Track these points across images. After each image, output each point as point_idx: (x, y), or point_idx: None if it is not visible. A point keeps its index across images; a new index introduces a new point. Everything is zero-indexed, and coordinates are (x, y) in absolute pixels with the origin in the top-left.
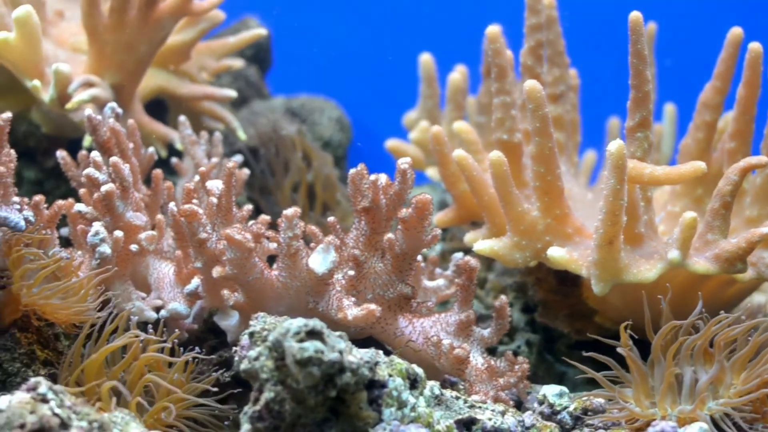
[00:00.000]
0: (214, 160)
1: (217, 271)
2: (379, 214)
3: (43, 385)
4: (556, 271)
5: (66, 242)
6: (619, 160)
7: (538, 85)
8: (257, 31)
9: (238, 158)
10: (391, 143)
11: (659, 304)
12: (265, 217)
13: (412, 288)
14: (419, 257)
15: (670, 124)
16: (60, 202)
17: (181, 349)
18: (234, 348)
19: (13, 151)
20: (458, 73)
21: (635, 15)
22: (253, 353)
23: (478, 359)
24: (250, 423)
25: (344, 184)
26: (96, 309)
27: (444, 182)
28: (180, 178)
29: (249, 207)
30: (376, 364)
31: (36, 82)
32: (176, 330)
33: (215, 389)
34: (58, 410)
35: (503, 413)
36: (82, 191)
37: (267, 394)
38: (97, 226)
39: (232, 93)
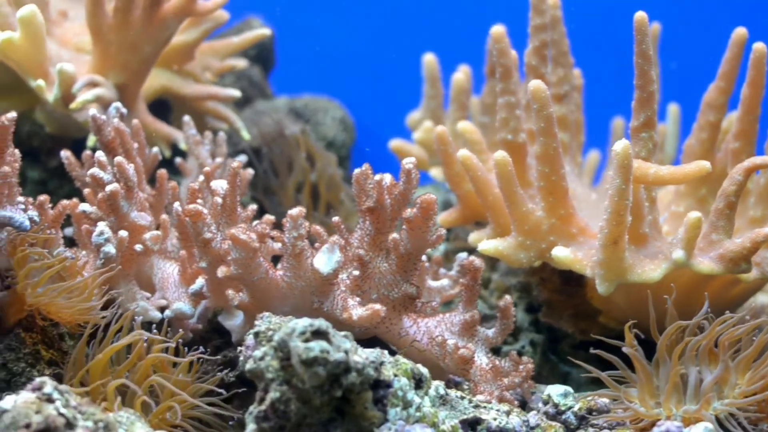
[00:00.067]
0: (218, 160)
1: (221, 271)
2: (384, 214)
3: (49, 385)
4: (560, 271)
5: (70, 242)
6: (624, 160)
7: (543, 85)
8: (261, 31)
9: (243, 158)
10: (395, 143)
11: (663, 304)
12: (269, 217)
13: (417, 288)
14: (423, 257)
15: (673, 124)
16: (65, 202)
17: (186, 348)
18: (239, 348)
19: (17, 151)
20: (462, 73)
21: (640, 15)
22: (258, 353)
23: (482, 359)
24: (255, 423)
25: (348, 184)
26: (100, 308)
27: (448, 182)
28: (184, 178)
29: (253, 207)
30: (382, 364)
31: (40, 82)
32: (180, 330)
33: (221, 391)
34: (63, 410)
35: (508, 413)
36: (86, 191)
37: (272, 394)
38: (102, 225)
39: (236, 93)
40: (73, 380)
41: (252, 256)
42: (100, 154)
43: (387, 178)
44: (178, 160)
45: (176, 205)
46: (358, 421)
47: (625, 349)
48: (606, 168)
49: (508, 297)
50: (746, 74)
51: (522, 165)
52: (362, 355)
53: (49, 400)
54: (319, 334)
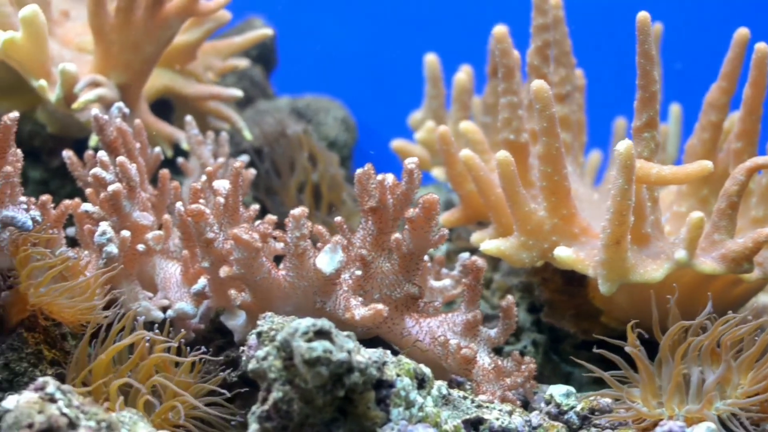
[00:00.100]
0: (221, 160)
1: (224, 271)
2: (386, 214)
3: (51, 385)
4: (562, 271)
5: (72, 242)
6: (627, 160)
7: (546, 85)
8: (263, 31)
9: (245, 158)
10: (397, 143)
11: (665, 304)
12: (271, 217)
13: (419, 288)
14: (425, 257)
15: (675, 124)
16: (67, 201)
17: (188, 348)
18: (241, 348)
19: (19, 151)
20: (464, 73)
21: (643, 15)
22: (261, 353)
23: (485, 359)
24: (258, 423)
25: (349, 184)
26: (102, 308)
27: (450, 182)
28: (186, 178)
29: (256, 207)
30: (384, 363)
31: (42, 82)
32: (182, 330)
33: (224, 392)
34: (66, 410)
35: (510, 413)
36: (88, 191)
37: (275, 394)
38: (104, 225)
39: (238, 93)
40: (76, 380)
41: (254, 256)
42: (102, 154)
43: (389, 178)
44: (180, 160)
45: (178, 205)
46: (360, 421)
47: (627, 349)
48: (608, 168)
49: (510, 297)
50: (748, 74)
51: (524, 165)
52: (365, 355)
53: (52, 400)
54: (322, 334)
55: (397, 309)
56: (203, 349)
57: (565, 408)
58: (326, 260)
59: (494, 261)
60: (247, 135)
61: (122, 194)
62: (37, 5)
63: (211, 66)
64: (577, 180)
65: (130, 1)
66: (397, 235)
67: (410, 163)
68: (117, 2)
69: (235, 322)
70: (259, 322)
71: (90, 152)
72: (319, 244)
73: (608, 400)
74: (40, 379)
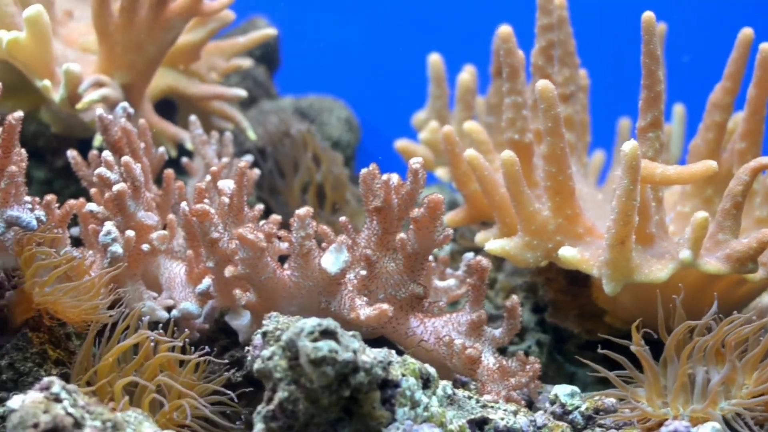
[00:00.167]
0: (225, 159)
1: (229, 271)
2: (391, 213)
3: (57, 385)
4: (566, 271)
5: (76, 242)
6: (633, 161)
7: (551, 84)
8: (267, 30)
9: (249, 158)
10: (401, 143)
11: (669, 304)
12: (276, 217)
13: (424, 288)
14: (430, 257)
15: (679, 124)
16: (71, 201)
17: (193, 348)
18: (246, 348)
19: (24, 151)
20: (467, 74)
21: (648, 15)
22: (266, 353)
23: (489, 359)
24: (263, 422)
25: (353, 184)
26: (107, 308)
27: (455, 182)
28: (190, 177)
29: (260, 207)
30: (390, 363)
31: (46, 82)
32: (187, 330)
33: (228, 392)
34: (71, 410)
35: (515, 413)
36: (93, 191)
37: (280, 394)
38: (109, 225)
39: (242, 92)
40: (81, 380)
41: (259, 256)
42: (107, 154)
43: (394, 177)
44: (184, 159)
45: (183, 204)
46: (366, 421)
47: (633, 348)
48: (612, 168)
49: (515, 297)
50: (753, 74)
51: (528, 165)
52: (370, 355)
53: (57, 399)
54: (327, 333)
55: (401, 309)
56: (207, 348)
57: (570, 408)
58: (331, 260)
59: (498, 261)
60: (251, 135)
61: (127, 194)
62: (41, 5)
63: (215, 66)
64: (581, 180)
65: (134, 1)
66: (401, 234)
67: (415, 162)
68: (121, 2)
69: (240, 321)
70: (264, 322)
71: (94, 152)
72: (323, 244)
73: (613, 400)
74: (46, 379)
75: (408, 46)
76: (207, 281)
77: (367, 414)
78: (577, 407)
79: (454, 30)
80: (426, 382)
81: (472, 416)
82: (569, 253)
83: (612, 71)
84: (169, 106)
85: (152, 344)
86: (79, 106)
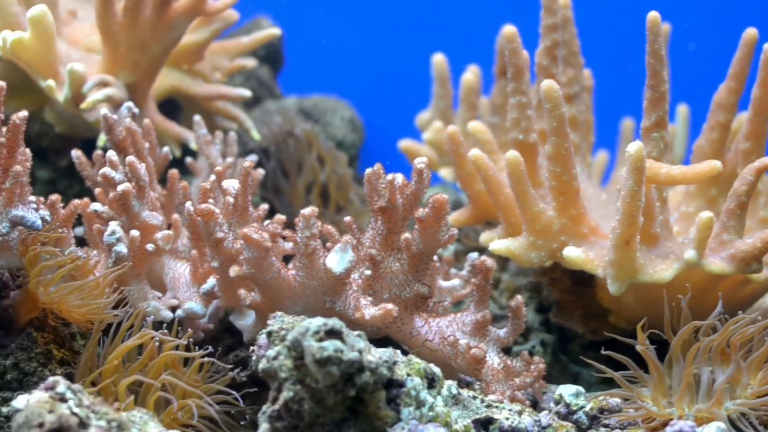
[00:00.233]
0: (229, 159)
1: (234, 271)
2: (396, 213)
3: (62, 384)
4: (570, 271)
5: (80, 242)
6: (638, 162)
7: (555, 84)
8: (271, 30)
9: (253, 157)
10: (405, 144)
11: (673, 303)
12: (280, 217)
13: (429, 288)
14: (434, 257)
15: (682, 125)
16: (76, 201)
17: (197, 348)
18: (250, 348)
19: (28, 150)
20: (471, 74)
21: (653, 15)
22: (271, 352)
23: (494, 359)
24: (268, 422)
25: (356, 184)
26: (112, 308)
27: (459, 182)
28: (194, 177)
29: (265, 206)
30: (395, 363)
31: (50, 82)
32: (191, 330)
33: (233, 392)
34: (76, 409)
35: (520, 413)
36: (97, 191)
37: (286, 394)
38: (114, 225)
39: (246, 92)
40: (85, 379)
41: (264, 256)
42: (111, 154)
43: (399, 177)
44: (188, 159)
45: (188, 204)
46: (371, 421)
47: (638, 348)
48: (615, 168)
49: (519, 297)
50: (757, 75)
51: (533, 165)
52: (376, 355)
53: (62, 399)
54: (332, 333)
55: (406, 309)
56: (210, 348)
57: (575, 408)
58: (336, 260)
59: (502, 261)
60: (255, 135)
61: (131, 194)
62: (45, 5)
63: (219, 66)
64: (585, 180)
65: (138, 1)
66: (406, 234)
67: (420, 162)
68: (125, 2)
69: (245, 321)
70: (269, 322)
71: (99, 152)
72: (328, 244)
73: (617, 400)
74: (51, 379)
75: (412, 46)
76: (211, 281)
77: (372, 414)
78: (582, 407)
79: (458, 30)
80: (431, 382)
81: (477, 416)
82: (574, 253)
83: (615, 71)
84: (173, 106)
85: (157, 344)
86: (83, 105)
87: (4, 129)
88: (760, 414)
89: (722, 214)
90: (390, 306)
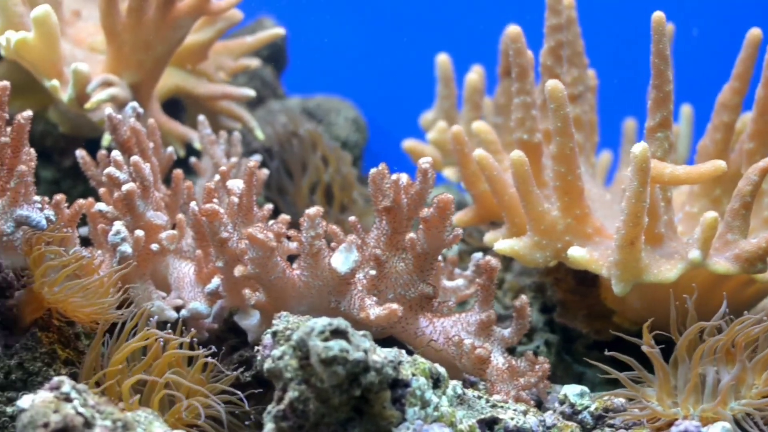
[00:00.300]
0: (233, 159)
1: (239, 271)
2: (401, 213)
3: (67, 384)
4: (574, 271)
5: (84, 242)
6: (643, 163)
7: (560, 84)
8: (275, 30)
9: (258, 157)
10: (409, 143)
11: (677, 302)
12: (285, 217)
13: (434, 288)
14: (439, 257)
15: (686, 125)
16: (80, 201)
17: (201, 347)
18: (255, 347)
19: (32, 150)
20: (475, 74)
21: (658, 15)
22: (276, 352)
23: (499, 359)
24: (274, 422)
25: (360, 184)
26: (116, 308)
27: (464, 182)
28: (199, 177)
29: (269, 206)
30: (400, 363)
31: (54, 82)
32: (195, 330)
33: (237, 392)
34: (81, 409)
35: (525, 413)
36: (101, 190)
37: (291, 393)
38: (118, 225)
39: (251, 92)
40: (90, 379)
41: (269, 256)
42: (116, 154)
43: (404, 177)
44: (192, 159)
45: (192, 204)
46: (376, 421)
47: (644, 348)
48: (619, 169)
49: (524, 297)
50: (761, 75)
51: (537, 165)
52: (381, 355)
53: (67, 399)
54: (338, 333)
55: (411, 309)
56: (213, 348)
57: (579, 408)
58: (341, 259)
59: (506, 261)
60: (259, 135)
61: (136, 194)
62: (49, 5)
63: (223, 66)
64: (589, 180)
65: (142, 1)
66: (411, 234)
67: (425, 162)
68: (129, 2)
69: (249, 321)
70: (274, 322)
71: (103, 152)
72: (333, 244)
73: (622, 400)
74: (56, 378)
75: (416, 46)
76: (216, 281)
77: (377, 414)
78: (587, 407)
79: (462, 30)
80: (436, 382)
81: (482, 416)
82: (578, 253)
83: (619, 72)
84: (177, 106)
85: (161, 344)
86: (87, 105)
87: (9, 129)
88: (766, 414)
89: (726, 214)
90: (395, 306)
